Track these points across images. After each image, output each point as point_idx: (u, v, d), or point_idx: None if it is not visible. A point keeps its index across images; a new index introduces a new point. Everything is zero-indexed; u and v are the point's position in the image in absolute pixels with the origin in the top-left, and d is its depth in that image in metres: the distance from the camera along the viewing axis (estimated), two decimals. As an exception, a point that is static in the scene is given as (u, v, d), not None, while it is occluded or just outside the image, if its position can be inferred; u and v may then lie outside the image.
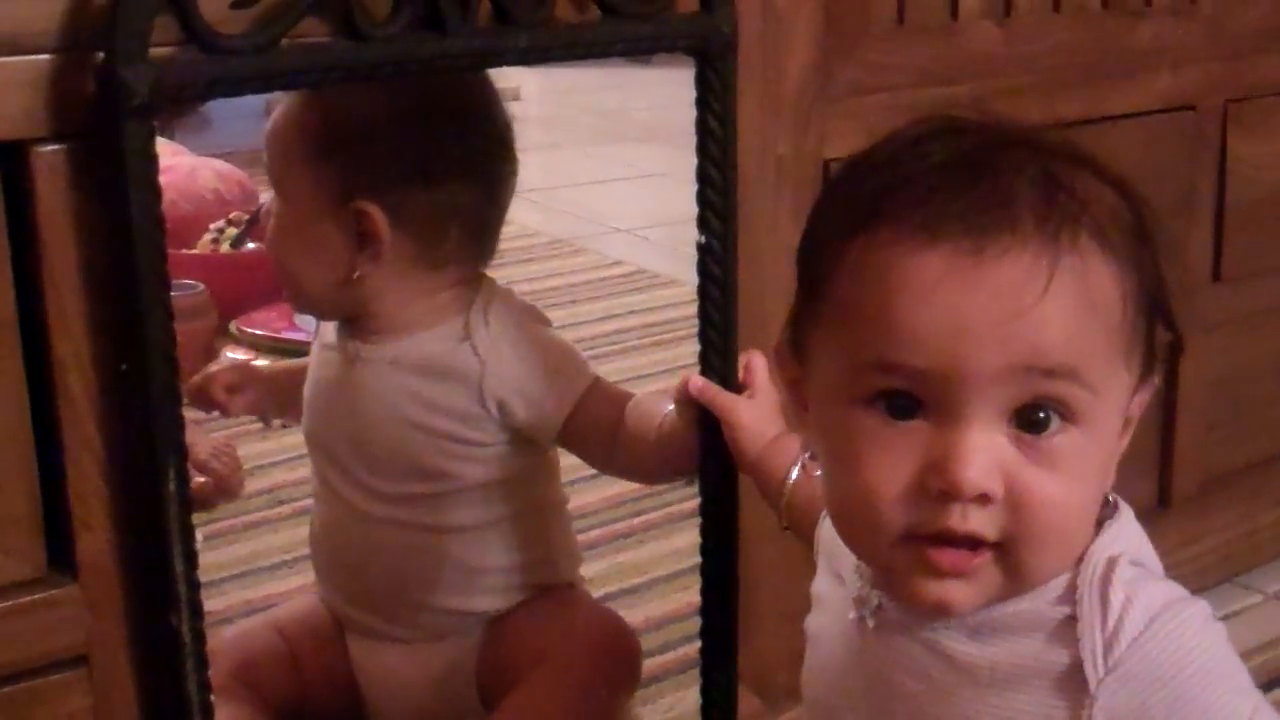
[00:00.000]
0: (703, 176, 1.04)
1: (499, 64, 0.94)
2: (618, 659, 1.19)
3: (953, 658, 0.79)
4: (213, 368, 1.33)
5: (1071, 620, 0.76)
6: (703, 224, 1.05)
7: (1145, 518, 1.55)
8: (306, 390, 1.20)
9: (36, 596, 0.86)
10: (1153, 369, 0.78)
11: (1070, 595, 0.76)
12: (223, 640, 1.21)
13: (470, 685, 1.19)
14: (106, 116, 0.80)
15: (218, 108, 4.56)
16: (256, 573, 1.58)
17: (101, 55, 0.80)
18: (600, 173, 3.61)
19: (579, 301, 2.57)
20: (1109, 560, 0.76)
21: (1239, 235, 1.55)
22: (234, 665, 1.17)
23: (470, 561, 1.17)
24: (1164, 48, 1.43)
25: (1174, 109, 1.46)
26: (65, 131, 0.82)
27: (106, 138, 0.80)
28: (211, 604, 0.93)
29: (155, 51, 0.80)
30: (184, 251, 2.37)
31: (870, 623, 0.81)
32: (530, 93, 4.72)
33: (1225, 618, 1.56)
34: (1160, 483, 1.58)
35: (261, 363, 1.46)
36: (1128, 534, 0.80)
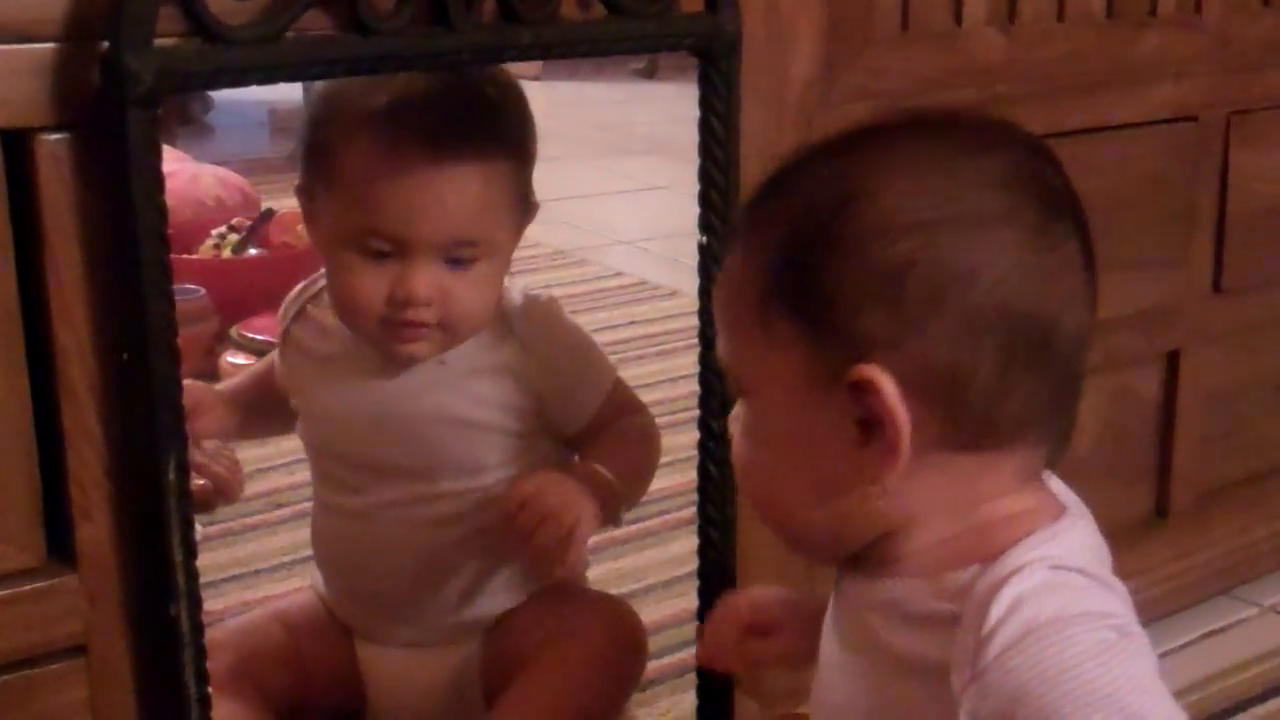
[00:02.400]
0: (705, 177, 1.04)
1: (503, 60, 0.95)
2: (621, 641, 1.19)
3: (871, 632, 0.80)
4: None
5: (957, 619, 0.75)
6: (704, 225, 1.05)
7: (1142, 529, 1.57)
8: (318, 398, 1.20)
9: (35, 586, 0.86)
10: None
11: (966, 594, 0.75)
12: (225, 633, 1.20)
13: (476, 686, 1.19)
14: (110, 105, 0.80)
15: (221, 117, 4.59)
16: (255, 574, 1.58)
17: (106, 44, 0.80)
18: (603, 185, 3.62)
19: (581, 312, 2.56)
20: (1017, 566, 0.75)
21: (1240, 247, 1.55)
22: (236, 659, 1.16)
23: (486, 560, 1.17)
24: (1167, 59, 1.43)
25: (1176, 120, 1.46)
26: (69, 120, 0.82)
27: (110, 126, 0.81)
28: (210, 604, 0.93)
29: (160, 42, 0.81)
30: (185, 257, 2.38)
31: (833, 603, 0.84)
32: (534, 105, 4.72)
33: (1221, 630, 1.57)
34: (1158, 494, 1.58)
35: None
36: (1067, 541, 0.77)
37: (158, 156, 0.82)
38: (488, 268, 1.13)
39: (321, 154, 1.13)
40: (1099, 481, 1.50)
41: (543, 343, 1.16)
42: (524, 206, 1.16)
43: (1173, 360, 1.55)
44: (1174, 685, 1.47)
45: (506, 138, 1.13)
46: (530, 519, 1.09)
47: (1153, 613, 1.58)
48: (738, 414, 0.82)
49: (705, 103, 1.04)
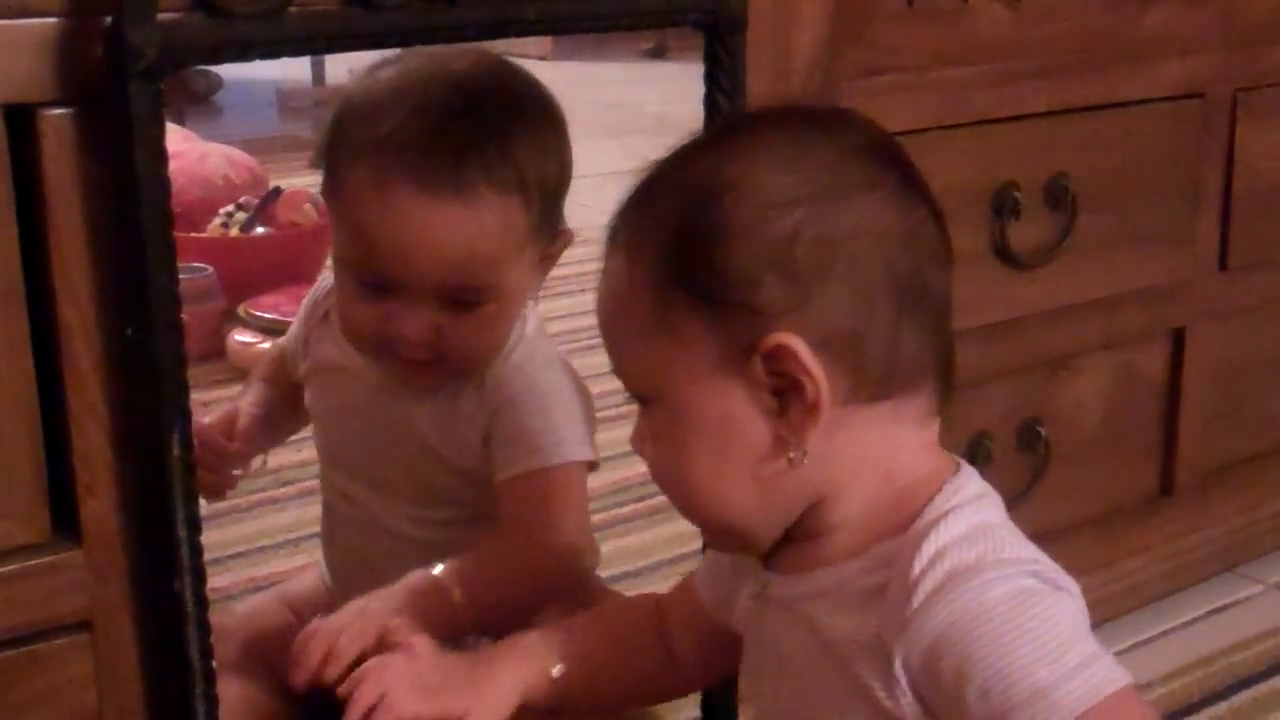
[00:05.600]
0: (709, 153, 1.04)
1: (507, 34, 0.94)
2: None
3: (813, 625, 0.83)
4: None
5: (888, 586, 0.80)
6: (709, 201, 1.05)
7: (1147, 507, 1.57)
8: (327, 413, 1.20)
9: (40, 561, 0.86)
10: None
11: (893, 560, 0.80)
12: (234, 616, 1.21)
13: None
14: (113, 79, 0.80)
15: (229, 96, 4.59)
16: (261, 551, 1.58)
17: (109, 18, 0.80)
18: (611, 164, 3.60)
19: (588, 290, 2.56)
20: (935, 519, 0.80)
21: (1246, 225, 1.54)
22: (245, 641, 1.16)
23: None
24: (1173, 35, 1.43)
25: (1183, 97, 1.45)
26: (72, 95, 0.82)
27: (114, 101, 0.80)
28: (216, 581, 0.93)
29: (163, 16, 0.81)
30: (193, 235, 2.38)
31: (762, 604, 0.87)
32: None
33: (1226, 607, 1.57)
34: (1162, 471, 1.58)
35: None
36: (974, 488, 0.82)
37: (161, 131, 0.81)
38: (496, 309, 1.09)
39: (329, 171, 1.10)
40: (1104, 459, 1.51)
41: (507, 383, 1.11)
42: (548, 239, 1.12)
43: (1178, 338, 1.54)
44: (1177, 662, 1.49)
45: (522, 175, 1.07)
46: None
47: (1157, 590, 1.58)
48: (643, 429, 0.85)
49: (711, 79, 1.03)
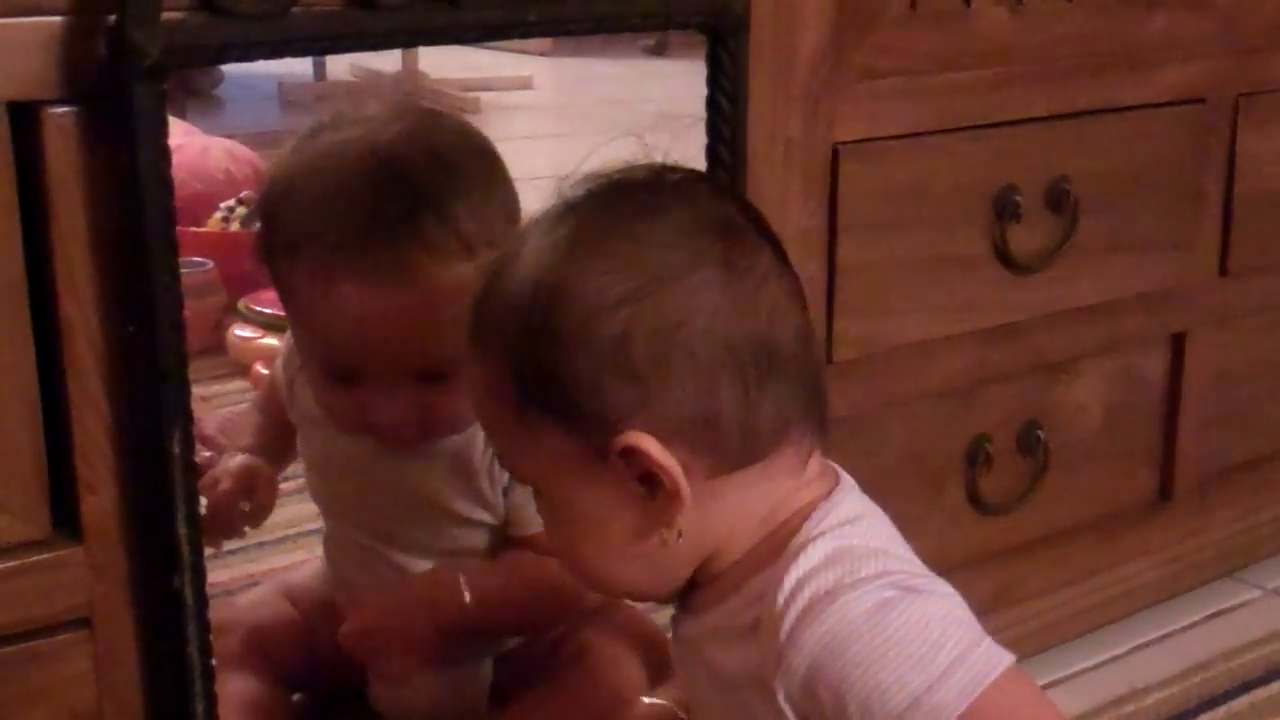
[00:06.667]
0: (712, 156, 1.04)
1: (509, 36, 0.94)
2: (632, 678, 1.12)
3: (710, 663, 0.86)
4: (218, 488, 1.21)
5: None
6: (710, 203, 1.05)
7: (1146, 511, 1.57)
8: (322, 464, 1.18)
9: (40, 558, 0.86)
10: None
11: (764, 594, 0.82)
12: (235, 610, 1.20)
13: (483, 702, 1.18)
14: (117, 78, 0.80)
15: (231, 90, 4.59)
16: (259, 547, 1.58)
17: (113, 17, 0.80)
18: (611, 162, 3.60)
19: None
20: (798, 550, 0.81)
21: (1247, 230, 1.54)
22: (247, 635, 1.16)
23: None
24: (1176, 40, 1.43)
25: (1184, 102, 1.45)
26: (76, 93, 0.82)
27: (117, 99, 0.81)
28: (215, 576, 0.93)
29: (167, 15, 0.81)
30: (194, 230, 2.38)
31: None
32: (542, 81, 4.72)
33: (1225, 612, 1.58)
34: (1162, 476, 1.58)
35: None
36: (842, 512, 0.84)
37: (164, 130, 0.82)
38: None
39: (269, 263, 1.06)
40: (1103, 463, 1.51)
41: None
42: None
43: (1178, 342, 1.54)
44: (1177, 667, 1.49)
45: (465, 238, 1.02)
46: (364, 654, 1.07)
47: (1156, 595, 1.59)
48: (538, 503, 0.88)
49: (713, 81, 1.03)
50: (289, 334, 1.19)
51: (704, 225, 0.83)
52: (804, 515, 0.83)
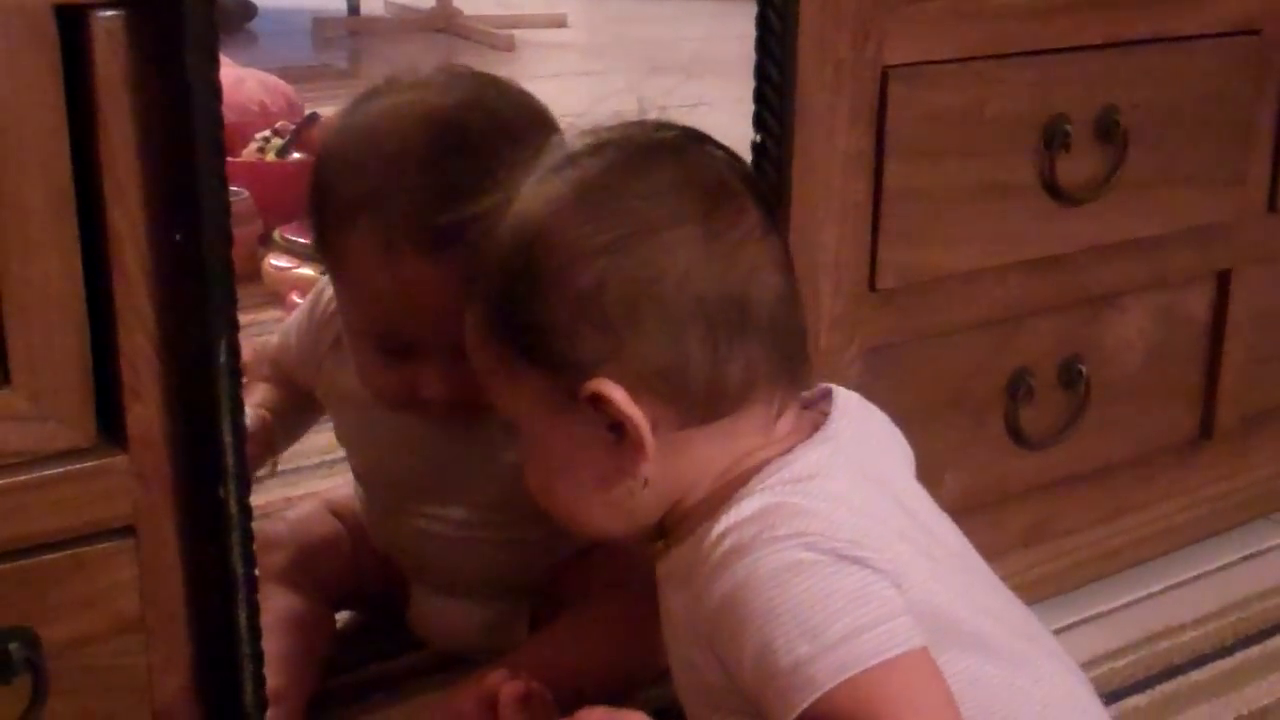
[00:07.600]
0: (760, 74, 1.03)
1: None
2: None
3: (668, 610, 0.89)
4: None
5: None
6: (758, 123, 1.04)
7: (1186, 450, 1.55)
8: (369, 445, 1.18)
9: (86, 465, 0.86)
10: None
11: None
12: (283, 525, 1.21)
13: (524, 626, 1.19)
14: (168, -20, 0.79)
15: (263, 24, 4.58)
16: (297, 471, 1.58)
17: (164, -82, 0.79)
18: (646, 100, 3.59)
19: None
20: (736, 501, 0.83)
21: (1297, 166, 1.52)
22: (295, 551, 1.17)
23: (528, 552, 1.16)
24: (1230, -30, 1.41)
25: (1238, 33, 1.43)
26: (125, -4, 0.81)
27: (166, 3, 0.80)
28: (253, 500, 0.93)
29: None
30: (229, 160, 2.37)
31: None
32: (578, 20, 4.70)
33: (1261, 553, 1.56)
34: (1203, 414, 1.57)
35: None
36: (798, 468, 0.84)
37: (214, 34, 0.81)
38: None
39: (320, 232, 1.05)
40: (1143, 400, 1.50)
41: None
42: None
43: (1223, 280, 1.52)
44: (1213, 605, 1.48)
45: None
46: None
47: (1193, 534, 1.58)
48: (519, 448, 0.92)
49: (762, 20, 1.02)
50: (295, 315, 1.20)
51: (691, 183, 0.85)
52: (756, 470, 0.85)
